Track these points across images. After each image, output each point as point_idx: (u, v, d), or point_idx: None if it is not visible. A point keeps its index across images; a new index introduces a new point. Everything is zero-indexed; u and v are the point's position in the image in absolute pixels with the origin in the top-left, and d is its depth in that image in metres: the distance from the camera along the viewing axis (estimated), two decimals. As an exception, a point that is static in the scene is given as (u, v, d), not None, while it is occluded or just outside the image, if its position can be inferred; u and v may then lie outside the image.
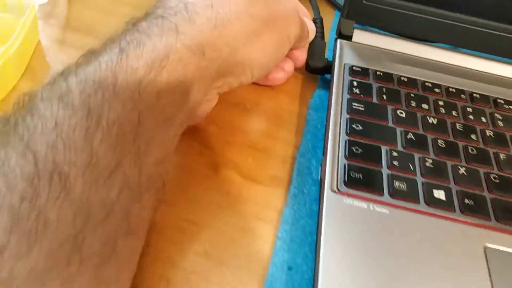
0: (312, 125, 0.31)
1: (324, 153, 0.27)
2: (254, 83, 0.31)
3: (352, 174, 0.25)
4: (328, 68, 0.33)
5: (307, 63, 0.34)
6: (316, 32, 0.34)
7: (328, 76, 0.34)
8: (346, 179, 0.24)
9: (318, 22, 0.35)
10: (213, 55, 0.22)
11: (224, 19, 0.23)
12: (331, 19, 0.42)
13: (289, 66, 0.33)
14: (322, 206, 0.23)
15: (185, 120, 0.22)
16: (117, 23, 0.36)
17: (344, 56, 0.33)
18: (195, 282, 0.21)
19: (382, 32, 0.35)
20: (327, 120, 0.29)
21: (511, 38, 0.33)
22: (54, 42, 0.33)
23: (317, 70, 0.34)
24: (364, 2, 0.33)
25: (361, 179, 0.25)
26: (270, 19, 0.26)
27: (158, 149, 0.19)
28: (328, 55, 0.35)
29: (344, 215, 0.23)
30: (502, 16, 0.33)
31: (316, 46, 0.34)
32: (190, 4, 0.22)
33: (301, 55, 0.33)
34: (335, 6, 0.43)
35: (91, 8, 0.37)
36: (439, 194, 0.25)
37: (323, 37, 0.34)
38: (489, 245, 0.23)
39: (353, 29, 0.35)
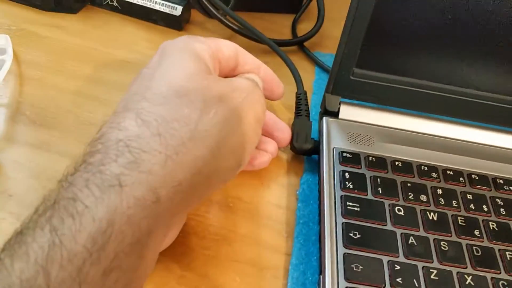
0: (304, 223, 0.28)
1: (321, 271, 0.24)
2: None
3: (355, 303, 0.22)
4: (314, 149, 0.31)
5: (292, 144, 0.31)
6: (301, 109, 0.32)
7: (315, 156, 0.32)
8: (349, 311, 0.22)
9: (302, 98, 0.32)
10: (171, 194, 0.18)
11: (176, 146, 0.19)
12: (311, 78, 0.39)
13: (272, 148, 0.30)
14: None
15: (148, 273, 0.18)
16: (72, 102, 0.32)
17: (331, 138, 0.30)
18: None
19: (370, 105, 0.32)
20: (320, 222, 0.26)
21: (505, 108, 0.31)
22: (4, 139, 0.29)
23: (303, 152, 0.31)
24: (351, 77, 0.31)
25: (365, 307, 0.22)
26: (233, 115, 0.21)
27: None
28: (313, 123, 0.32)
29: None
30: (498, 87, 0.31)
31: (301, 126, 0.31)
32: (134, 141, 0.18)
33: (284, 137, 0.30)
34: (315, 62, 0.40)
35: (46, 88, 0.33)
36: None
37: (308, 115, 0.31)
38: None
39: (340, 103, 0.32)
